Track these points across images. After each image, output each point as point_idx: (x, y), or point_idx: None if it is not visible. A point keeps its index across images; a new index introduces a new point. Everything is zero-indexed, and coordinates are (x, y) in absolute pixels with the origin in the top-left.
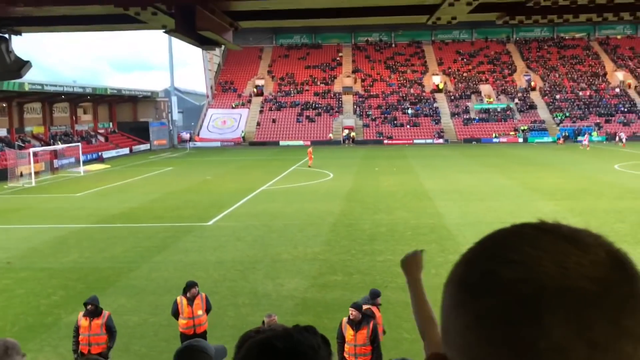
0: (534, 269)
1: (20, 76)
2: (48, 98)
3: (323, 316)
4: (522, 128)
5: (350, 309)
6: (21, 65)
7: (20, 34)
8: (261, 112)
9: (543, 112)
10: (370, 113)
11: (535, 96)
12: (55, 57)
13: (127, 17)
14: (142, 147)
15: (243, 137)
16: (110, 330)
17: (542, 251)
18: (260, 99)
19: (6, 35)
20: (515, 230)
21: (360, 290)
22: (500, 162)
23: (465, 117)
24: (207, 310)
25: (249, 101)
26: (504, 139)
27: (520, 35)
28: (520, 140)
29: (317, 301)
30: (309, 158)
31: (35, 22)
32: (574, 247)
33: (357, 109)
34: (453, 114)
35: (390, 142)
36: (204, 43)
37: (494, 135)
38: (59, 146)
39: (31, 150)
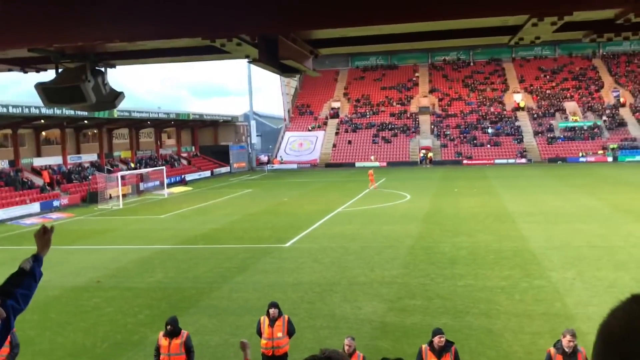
0: None
1: (114, 106)
2: (135, 124)
3: (402, 341)
4: (611, 146)
5: (436, 335)
6: (115, 96)
7: (115, 67)
8: (337, 134)
9: (634, 129)
10: (448, 133)
11: (625, 113)
12: (140, 85)
13: (213, 48)
14: (223, 169)
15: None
16: (188, 350)
17: None
18: (336, 121)
19: (102, 69)
20: None
21: (440, 316)
22: (588, 182)
23: (549, 135)
24: (289, 333)
25: (325, 123)
26: (591, 158)
27: (607, 49)
28: (610, 159)
29: (396, 326)
30: (370, 180)
31: (128, 55)
32: None
33: (435, 129)
34: (536, 133)
35: (469, 162)
36: (285, 71)
37: (580, 154)
38: (145, 170)
39: (119, 174)
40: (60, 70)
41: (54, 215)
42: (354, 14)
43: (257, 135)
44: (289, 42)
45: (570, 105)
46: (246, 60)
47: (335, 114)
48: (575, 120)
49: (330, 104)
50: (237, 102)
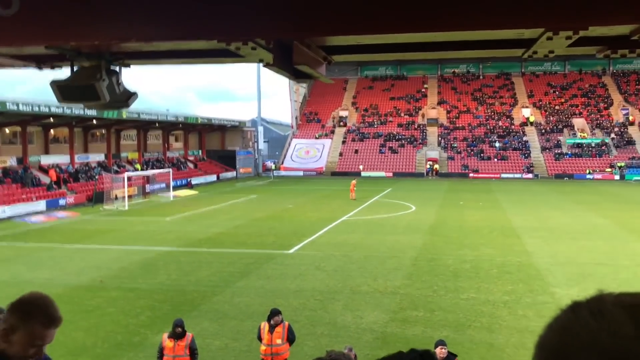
0: None
1: (127, 106)
2: (143, 126)
3: None
4: (618, 164)
5: (438, 346)
6: (129, 96)
7: (129, 67)
8: (344, 142)
9: None
10: (455, 145)
11: (634, 131)
12: (147, 86)
13: (227, 51)
14: (229, 174)
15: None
16: (193, 352)
17: None
18: (344, 129)
19: (117, 69)
20: None
21: (442, 328)
22: (594, 199)
23: (556, 151)
24: (289, 340)
25: (332, 132)
26: (598, 176)
27: (617, 67)
28: (617, 177)
29: (397, 336)
30: (351, 190)
31: (143, 56)
32: None
33: (442, 141)
34: (544, 148)
35: (475, 175)
36: (299, 76)
37: (587, 171)
38: (152, 172)
39: (126, 175)
40: (75, 68)
41: (60, 213)
42: (370, 22)
43: (264, 142)
44: (303, 48)
45: (578, 122)
46: (260, 64)
47: (342, 123)
48: (583, 137)
49: (338, 112)
50: (245, 108)
